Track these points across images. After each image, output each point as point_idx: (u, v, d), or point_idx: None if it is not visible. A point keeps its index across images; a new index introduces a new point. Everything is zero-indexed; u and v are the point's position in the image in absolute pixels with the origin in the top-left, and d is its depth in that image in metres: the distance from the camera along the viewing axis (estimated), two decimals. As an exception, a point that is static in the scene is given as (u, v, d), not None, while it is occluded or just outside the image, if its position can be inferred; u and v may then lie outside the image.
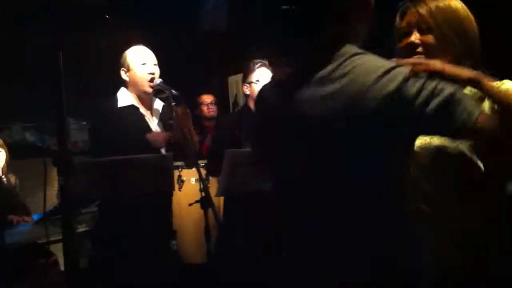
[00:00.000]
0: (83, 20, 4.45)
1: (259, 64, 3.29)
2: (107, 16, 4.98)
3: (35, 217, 3.44)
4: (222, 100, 5.51)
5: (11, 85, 4.59)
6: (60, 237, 2.07)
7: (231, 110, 5.67)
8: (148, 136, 2.83)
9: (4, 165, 3.64)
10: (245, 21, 5.08)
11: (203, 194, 2.64)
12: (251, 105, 3.30)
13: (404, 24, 1.64)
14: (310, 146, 1.31)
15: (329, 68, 1.28)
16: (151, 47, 3.02)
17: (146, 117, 2.97)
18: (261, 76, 3.25)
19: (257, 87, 3.24)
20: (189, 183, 3.80)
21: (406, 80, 1.19)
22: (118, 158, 2.53)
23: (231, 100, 5.79)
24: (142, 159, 2.59)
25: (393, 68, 1.21)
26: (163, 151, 2.90)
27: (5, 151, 3.69)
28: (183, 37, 5.42)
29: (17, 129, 4.71)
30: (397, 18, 1.68)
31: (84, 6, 4.40)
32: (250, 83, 3.29)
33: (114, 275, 2.81)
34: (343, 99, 1.22)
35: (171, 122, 2.93)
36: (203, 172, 3.47)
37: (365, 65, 1.24)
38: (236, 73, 5.55)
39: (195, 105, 4.94)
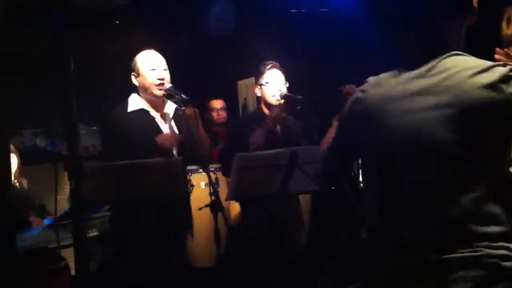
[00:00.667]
0: (94, 24, 4.47)
1: (270, 65, 3.29)
2: (117, 22, 5.00)
3: (46, 221, 3.46)
4: (232, 104, 5.51)
5: (21, 91, 4.62)
6: (71, 241, 2.08)
7: (240, 114, 5.67)
8: (158, 138, 2.83)
9: (16, 170, 3.67)
10: (254, 25, 5.10)
11: (213, 198, 2.64)
12: (262, 106, 3.30)
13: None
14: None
15: (429, 65, 1.36)
16: (160, 51, 3.03)
17: (156, 120, 2.98)
18: (272, 78, 3.25)
19: (267, 89, 3.24)
20: (198, 187, 3.80)
21: (504, 78, 1.24)
22: (128, 163, 2.53)
23: (240, 104, 5.79)
24: (151, 164, 2.60)
25: (491, 66, 1.28)
26: (174, 153, 2.90)
27: (17, 157, 3.71)
28: (192, 41, 5.43)
29: (28, 134, 4.74)
30: (503, 25, 1.69)
31: (95, 11, 4.42)
32: (260, 85, 3.29)
33: (124, 279, 2.81)
34: (440, 93, 1.30)
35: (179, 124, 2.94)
36: (213, 176, 3.47)
37: (464, 63, 1.32)
38: (246, 77, 5.56)
39: (205, 110, 4.94)
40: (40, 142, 4.03)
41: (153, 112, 2.98)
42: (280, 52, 4.29)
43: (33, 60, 4.72)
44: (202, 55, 5.50)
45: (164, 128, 2.98)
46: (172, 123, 3.02)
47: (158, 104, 3.01)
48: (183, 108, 2.80)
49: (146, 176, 2.53)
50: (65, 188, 3.42)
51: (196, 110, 2.84)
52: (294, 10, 5.11)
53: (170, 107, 3.05)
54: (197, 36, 5.34)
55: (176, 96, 2.87)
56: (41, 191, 3.81)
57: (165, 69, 2.97)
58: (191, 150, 2.81)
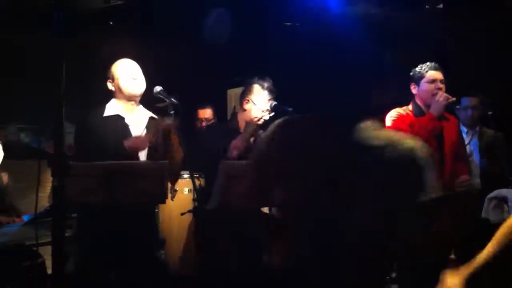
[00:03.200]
0: (86, 25, 4.47)
1: (265, 84, 3.30)
2: (111, 23, 4.99)
3: (26, 218, 3.42)
4: (222, 112, 5.51)
5: (9, 86, 4.59)
6: (49, 239, 2.06)
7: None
8: (127, 142, 2.84)
9: (-2, 163, 3.62)
10: (246, 36, 5.12)
11: (196, 204, 2.63)
12: (240, 117, 3.31)
13: None
14: None
15: None
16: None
17: (130, 127, 2.99)
18: (257, 98, 3.27)
19: (251, 107, 3.26)
20: (181, 193, 3.79)
21: None
22: (112, 163, 2.52)
23: (229, 113, 5.80)
24: (136, 165, 2.59)
25: None
26: (141, 158, 2.91)
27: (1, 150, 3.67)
28: (184, 49, 5.43)
29: (13, 129, 4.70)
30: None
31: (87, 12, 4.42)
32: (248, 101, 3.30)
33: (99, 281, 2.79)
34: None
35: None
36: (197, 182, 3.46)
37: None
38: (236, 86, 5.57)
39: (195, 119, 4.93)
40: (25, 138, 3.99)
41: (128, 120, 3.00)
42: (272, 63, 4.32)
43: (23, 56, 4.69)
44: (193, 62, 5.51)
45: (135, 133, 2.99)
46: (145, 131, 3.03)
47: (133, 112, 3.04)
48: (172, 112, 2.80)
49: (130, 177, 2.51)
50: (47, 186, 3.40)
51: (173, 123, 2.86)
52: (288, 23, 5.15)
53: (144, 116, 3.07)
54: (189, 44, 5.35)
55: (166, 100, 2.87)
56: (21, 187, 3.77)
57: (140, 77, 3.00)
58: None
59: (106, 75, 3.04)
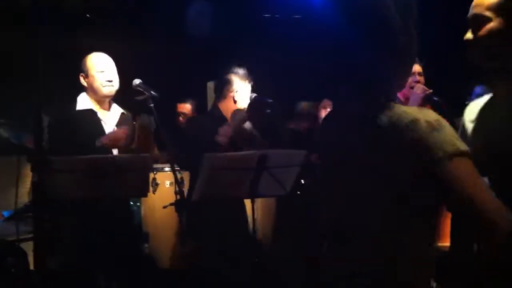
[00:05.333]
0: (64, 20, 4.42)
1: (241, 73, 3.29)
2: (88, 16, 4.94)
3: (6, 214, 3.39)
4: (202, 105, 5.50)
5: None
6: (31, 235, 2.05)
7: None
8: (104, 138, 2.84)
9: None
10: (228, 28, 5.11)
11: (178, 197, 2.63)
12: (222, 107, 3.30)
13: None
14: None
15: None
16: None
17: (102, 122, 3.01)
18: (241, 87, 3.26)
19: (236, 98, 3.25)
20: (163, 186, 3.78)
21: None
22: (93, 157, 2.51)
23: (209, 105, 5.79)
24: (118, 159, 2.58)
25: None
26: (115, 153, 2.91)
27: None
28: (163, 42, 5.40)
29: (-9, 124, 4.63)
30: None
31: (71, 8, 4.38)
32: (228, 91, 3.29)
33: (83, 276, 2.78)
34: None
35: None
36: (179, 175, 3.46)
37: None
38: (215, 78, 5.56)
39: (175, 113, 4.92)
40: (3, 133, 3.93)
41: (100, 114, 3.02)
42: (251, 55, 4.31)
43: (3, 54, 4.63)
44: (173, 55, 5.48)
45: (108, 129, 3.00)
46: (115, 128, 3.04)
47: (105, 107, 3.06)
48: (152, 105, 2.79)
49: (113, 171, 2.50)
50: (26, 181, 3.37)
51: (146, 122, 2.88)
52: (267, 15, 5.15)
53: (116, 112, 3.09)
54: (169, 36, 5.32)
55: (146, 93, 2.86)
56: (0, 183, 3.72)
57: (114, 71, 3.02)
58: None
59: (79, 68, 3.03)
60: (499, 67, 1.57)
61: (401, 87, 1.45)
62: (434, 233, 1.35)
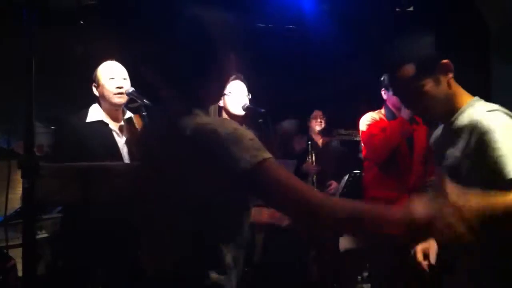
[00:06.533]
0: (58, 24, 4.42)
1: (234, 76, 3.30)
2: (81, 22, 4.94)
3: (-5, 219, 3.36)
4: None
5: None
6: (20, 241, 2.04)
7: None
8: None
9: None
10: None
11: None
12: (223, 115, 3.31)
13: None
14: None
15: None
16: (124, 57, 3.03)
17: (114, 133, 2.97)
18: (236, 88, 3.27)
19: (230, 100, 3.25)
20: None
21: None
22: (86, 164, 2.50)
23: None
24: (110, 167, 2.57)
25: None
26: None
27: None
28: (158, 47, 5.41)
29: (-19, 129, 4.60)
30: None
31: (61, 10, 4.36)
32: (223, 95, 3.29)
33: (74, 284, 2.76)
34: None
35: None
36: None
37: None
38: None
39: None
40: (-9, 138, 3.91)
41: (111, 125, 2.97)
42: (244, 64, 4.32)
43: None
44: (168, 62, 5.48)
45: (120, 142, 2.96)
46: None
47: (117, 116, 3.01)
48: (144, 113, 2.79)
49: (106, 179, 2.49)
50: (17, 187, 3.34)
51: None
52: (261, 25, 5.17)
53: (125, 118, 3.05)
54: (162, 43, 5.32)
55: (138, 101, 2.86)
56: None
57: (124, 78, 2.97)
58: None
59: (91, 77, 2.99)
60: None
61: (215, 101, 1.62)
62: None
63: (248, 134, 1.33)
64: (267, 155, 1.31)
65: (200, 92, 1.45)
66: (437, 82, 1.74)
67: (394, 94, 2.16)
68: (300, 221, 1.39)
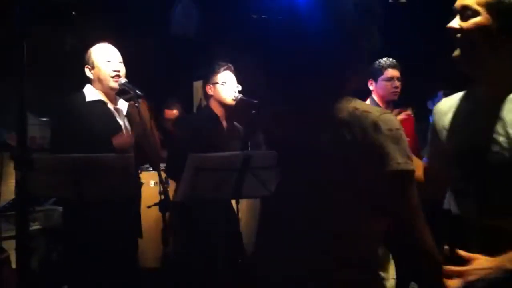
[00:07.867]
0: (49, 15, 4.38)
1: (225, 66, 3.32)
2: (74, 13, 4.91)
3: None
4: (187, 104, 5.50)
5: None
6: (13, 233, 2.04)
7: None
8: (116, 139, 2.80)
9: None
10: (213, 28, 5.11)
11: (163, 197, 2.63)
12: (212, 105, 3.32)
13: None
14: None
15: None
16: (117, 48, 3.01)
17: (113, 113, 2.95)
18: (228, 78, 3.28)
19: (223, 89, 3.27)
20: (148, 185, 3.77)
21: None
22: (78, 156, 2.49)
23: (195, 105, 5.78)
24: (102, 158, 2.57)
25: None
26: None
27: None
28: (150, 41, 5.39)
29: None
30: None
31: (50, 3, 4.34)
32: (214, 84, 3.30)
33: (67, 276, 2.76)
34: None
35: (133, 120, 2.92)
36: (163, 175, 3.45)
37: None
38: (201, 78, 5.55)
39: (161, 117, 4.91)
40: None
41: (109, 105, 2.95)
42: (238, 55, 4.32)
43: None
44: (159, 54, 5.47)
45: (120, 122, 2.96)
46: (125, 120, 3.00)
47: (112, 98, 2.99)
48: (137, 104, 2.78)
49: (97, 171, 2.49)
50: (9, 179, 3.34)
51: (150, 105, 2.85)
52: (254, 16, 5.16)
53: (122, 104, 3.03)
54: (156, 35, 5.30)
55: (131, 92, 2.85)
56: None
57: (120, 62, 2.95)
58: (145, 149, 2.80)
59: (83, 60, 2.95)
60: (485, 75, 1.58)
61: (360, 83, 1.50)
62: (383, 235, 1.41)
63: (405, 137, 1.33)
64: (413, 167, 1.31)
65: (348, 75, 1.43)
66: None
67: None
68: (400, 238, 1.36)
